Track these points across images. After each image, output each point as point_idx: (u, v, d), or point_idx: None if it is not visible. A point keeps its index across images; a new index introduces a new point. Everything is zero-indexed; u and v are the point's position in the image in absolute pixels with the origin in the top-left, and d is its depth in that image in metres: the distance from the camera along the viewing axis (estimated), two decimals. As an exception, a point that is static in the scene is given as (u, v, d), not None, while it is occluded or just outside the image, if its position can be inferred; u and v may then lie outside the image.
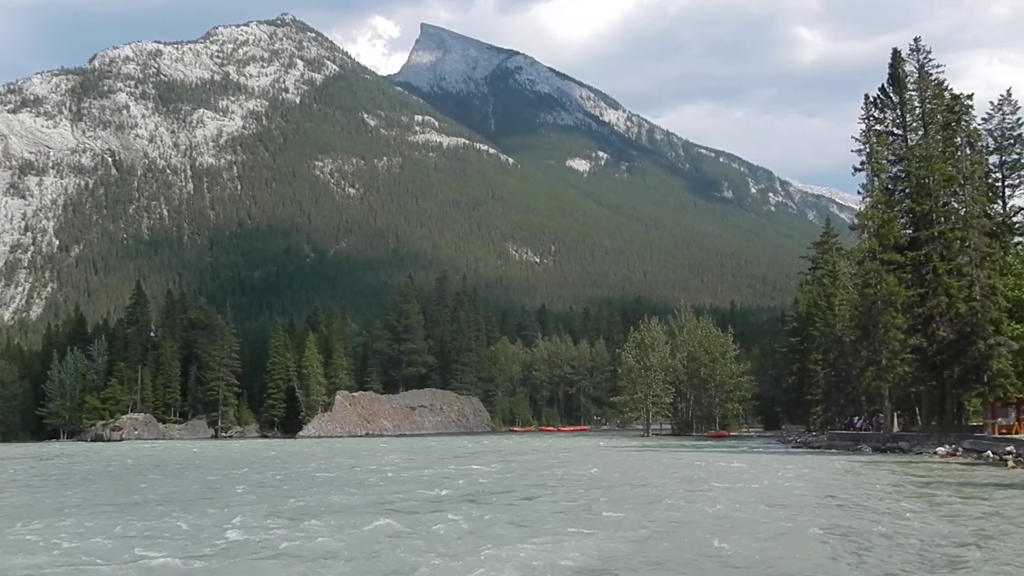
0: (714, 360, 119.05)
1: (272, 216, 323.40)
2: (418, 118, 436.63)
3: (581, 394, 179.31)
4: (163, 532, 22.25)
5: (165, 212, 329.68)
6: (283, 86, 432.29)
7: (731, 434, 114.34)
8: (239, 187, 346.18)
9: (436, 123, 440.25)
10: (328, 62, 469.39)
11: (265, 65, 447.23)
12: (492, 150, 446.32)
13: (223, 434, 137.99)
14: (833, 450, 64.93)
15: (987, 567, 16.06)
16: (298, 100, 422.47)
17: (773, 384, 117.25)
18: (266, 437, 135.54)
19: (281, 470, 49.12)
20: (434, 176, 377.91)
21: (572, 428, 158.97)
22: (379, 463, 55.06)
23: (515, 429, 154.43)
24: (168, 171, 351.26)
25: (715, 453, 64.18)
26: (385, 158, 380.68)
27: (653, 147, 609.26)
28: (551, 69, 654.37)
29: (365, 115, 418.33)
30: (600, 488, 34.69)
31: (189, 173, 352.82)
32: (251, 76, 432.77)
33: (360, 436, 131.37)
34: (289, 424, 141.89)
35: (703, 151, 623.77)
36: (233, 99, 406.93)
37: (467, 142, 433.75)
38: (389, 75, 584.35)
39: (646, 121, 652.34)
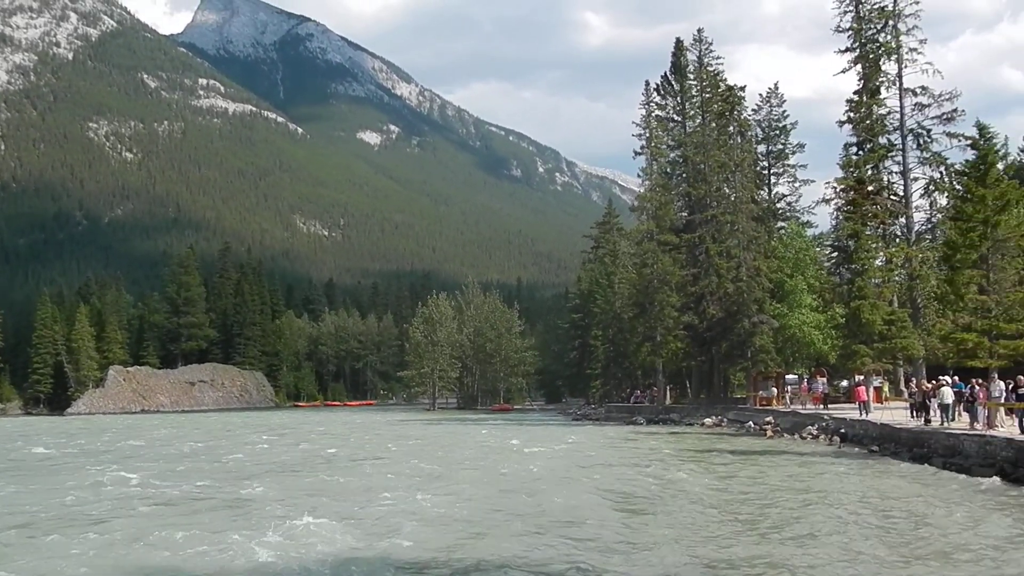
0: (500, 335, 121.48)
1: (40, 179, 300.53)
2: (202, 82, 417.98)
3: (368, 369, 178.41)
4: None
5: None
6: (54, 40, 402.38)
7: (515, 407, 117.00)
8: (3, 147, 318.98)
9: (222, 88, 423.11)
10: (105, 17, 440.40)
11: (34, 16, 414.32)
12: (280, 119, 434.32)
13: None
14: (611, 422, 67.75)
15: (759, 520, 17.28)
16: (71, 56, 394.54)
17: (556, 359, 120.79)
18: (31, 414, 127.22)
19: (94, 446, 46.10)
20: (219, 143, 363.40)
21: (358, 403, 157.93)
22: (174, 436, 52.70)
23: (300, 404, 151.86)
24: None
25: (505, 426, 65.42)
26: (166, 122, 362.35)
27: (444, 123, 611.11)
28: (343, 38, 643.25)
29: (145, 76, 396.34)
30: (412, 457, 34.69)
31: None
32: (18, 27, 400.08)
33: (135, 413, 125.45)
34: (57, 401, 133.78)
35: (493, 129, 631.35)
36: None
37: (254, 109, 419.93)
38: (171, 34, 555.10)
39: (438, 96, 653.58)
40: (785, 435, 42.04)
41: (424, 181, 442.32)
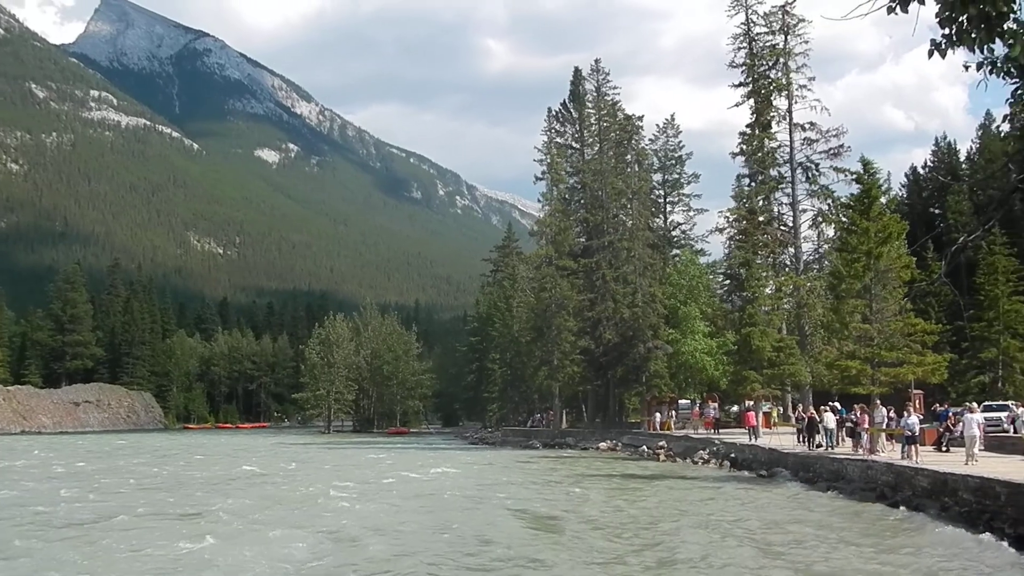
0: (397, 358, 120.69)
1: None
2: (94, 93, 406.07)
3: (262, 390, 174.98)
4: None
5: None
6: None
7: (411, 431, 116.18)
8: None
9: (114, 100, 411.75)
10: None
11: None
12: (176, 134, 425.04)
13: None
14: (508, 445, 67.85)
15: (643, 541, 17.53)
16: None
17: (453, 382, 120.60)
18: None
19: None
20: (110, 157, 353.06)
21: (252, 425, 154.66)
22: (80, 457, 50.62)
23: (190, 426, 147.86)
24: None
25: (403, 449, 64.84)
26: (55, 133, 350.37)
27: (345, 143, 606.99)
28: (242, 55, 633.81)
29: (33, 85, 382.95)
30: (310, 480, 34.11)
31: None
32: None
33: (15, 434, 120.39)
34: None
35: (394, 151, 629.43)
36: None
37: (148, 123, 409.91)
38: (62, 44, 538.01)
39: (339, 116, 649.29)
40: (678, 459, 42.78)
41: (323, 201, 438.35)
